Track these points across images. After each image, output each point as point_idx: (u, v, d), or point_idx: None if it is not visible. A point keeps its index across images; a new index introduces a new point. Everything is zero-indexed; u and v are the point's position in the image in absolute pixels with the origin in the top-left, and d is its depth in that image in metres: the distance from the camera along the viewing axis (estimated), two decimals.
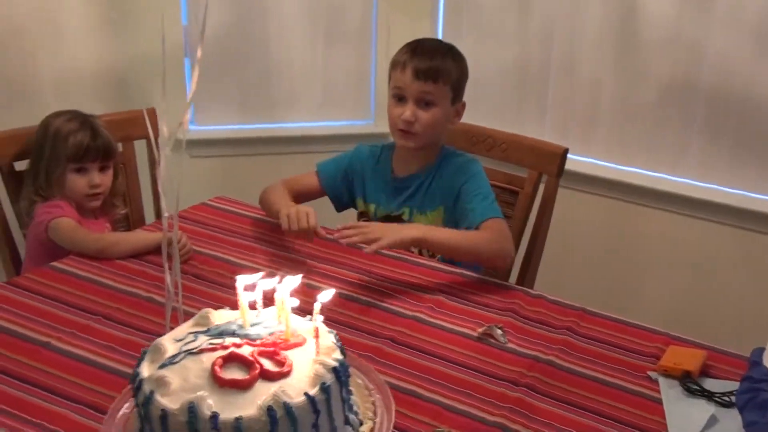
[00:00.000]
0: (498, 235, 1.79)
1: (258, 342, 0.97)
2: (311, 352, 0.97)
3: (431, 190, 1.92)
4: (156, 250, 1.83)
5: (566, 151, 2.05)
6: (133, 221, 2.25)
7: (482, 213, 1.82)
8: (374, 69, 3.01)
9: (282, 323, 1.00)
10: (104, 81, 2.71)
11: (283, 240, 1.90)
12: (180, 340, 0.98)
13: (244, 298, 1.03)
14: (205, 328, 1.02)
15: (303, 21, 2.93)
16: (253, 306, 1.05)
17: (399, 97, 1.84)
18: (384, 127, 2.90)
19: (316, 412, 0.90)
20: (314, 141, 3.01)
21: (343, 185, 2.02)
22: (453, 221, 1.89)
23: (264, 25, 2.91)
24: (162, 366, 0.94)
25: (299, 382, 0.91)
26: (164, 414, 0.86)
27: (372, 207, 2.00)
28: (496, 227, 1.80)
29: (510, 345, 1.54)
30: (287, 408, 0.86)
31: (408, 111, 1.81)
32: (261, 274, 1.08)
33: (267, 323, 1.01)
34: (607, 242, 2.80)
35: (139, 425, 0.94)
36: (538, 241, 2.10)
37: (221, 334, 0.99)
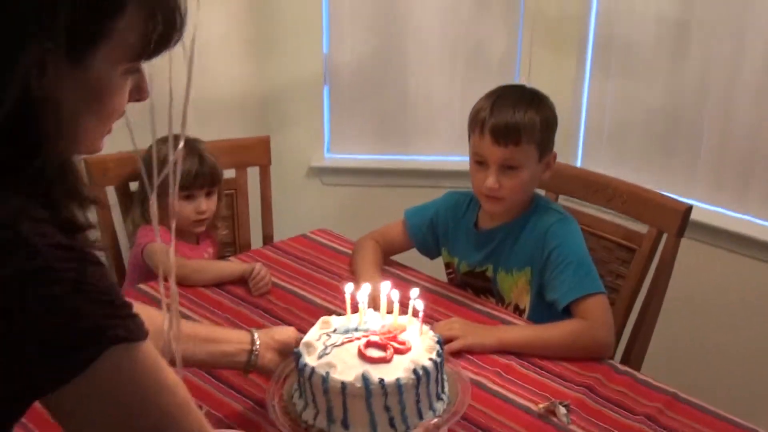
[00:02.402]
0: (591, 323, 1.60)
1: (378, 332, 1.28)
2: (417, 333, 1.29)
3: (518, 246, 1.76)
4: (238, 280, 1.83)
5: (689, 209, 1.83)
6: (239, 246, 2.27)
7: (573, 288, 1.63)
8: None
9: (385, 318, 1.32)
10: (244, 105, 2.79)
11: None
12: (318, 340, 1.27)
13: (359, 302, 1.32)
14: (332, 329, 1.30)
15: (444, 52, 2.86)
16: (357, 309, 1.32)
17: (480, 162, 1.70)
18: None
19: (438, 370, 1.23)
20: (449, 175, 2.92)
21: (430, 235, 1.91)
22: (541, 286, 1.72)
23: (404, 55, 2.87)
24: (320, 357, 1.22)
25: (421, 353, 1.24)
26: (344, 385, 1.17)
27: (456, 260, 1.88)
28: (589, 310, 1.61)
29: (572, 426, 1.37)
30: (424, 369, 1.20)
31: (491, 178, 1.66)
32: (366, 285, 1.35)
33: (374, 320, 1.32)
34: (752, 312, 2.48)
35: (305, 402, 1.24)
36: (649, 312, 1.88)
37: (347, 331, 1.29)
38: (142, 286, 1.83)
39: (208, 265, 1.89)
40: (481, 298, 1.83)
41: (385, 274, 1.88)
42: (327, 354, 1.23)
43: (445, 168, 2.94)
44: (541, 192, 2.07)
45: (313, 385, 1.20)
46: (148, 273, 1.92)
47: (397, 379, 1.18)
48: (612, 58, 2.69)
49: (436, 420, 1.23)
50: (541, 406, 1.41)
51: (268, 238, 2.29)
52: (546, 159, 1.72)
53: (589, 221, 2.00)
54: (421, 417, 1.22)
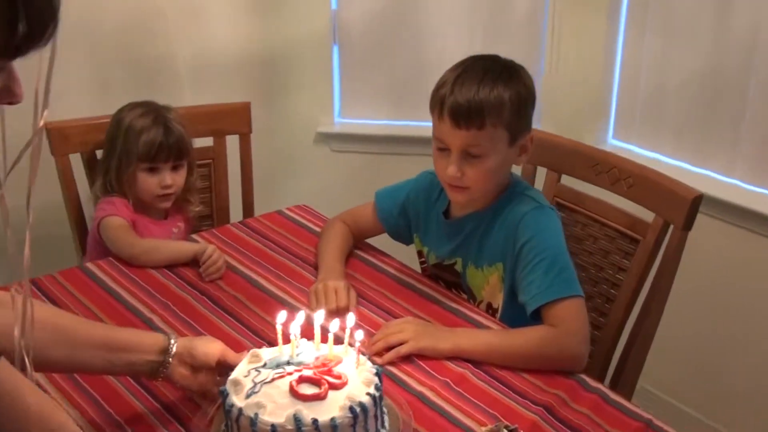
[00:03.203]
0: (561, 331, 1.38)
1: (311, 365, 1.16)
2: (353, 365, 1.17)
3: (488, 239, 1.53)
4: (192, 261, 1.69)
5: (699, 197, 1.57)
6: (218, 219, 2.13)
7: (544, 291, 1.41)
8: (542, 69, 2.62)
9: (319, 350, 1.20)
10: (245, 66, 2.61)
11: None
12: (247, 375, 1.15)
13: (287, 333, 1.19)
14: (261, 363, 1.18)
15: (462, 12, 2.61)
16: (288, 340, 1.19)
17: (441, 148, 1.48)
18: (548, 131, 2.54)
19: (376, 405, 1.13)
20: None
21: (402, 220, 1.70)
22: (513, 285, 1.51)
23: (419, 12, 2.64)
24: (247, 396, 1.11)
25: (358, 388, 1.13)
26: (273, 428, 1.06)
27: (426, 249, 1.68)
28: (560, 316, 1.39)
29: None
30: (362, 406, 1.10)
31: (452, 167, 1.44)
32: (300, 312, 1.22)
33: (308, 351, 1.20)
34: None
35: None
36: (651, 313, 1.65)
37: (278, 365, 1.16)
38: (89, 265, 1.70)
39: (159, 245, 1.75)
40: (453, 292, 1.63)
41: (352, 259, 1.71)
42: (256, 392, 1.12)
43: None
44: (542, 170, 1.85)
45: (241, 427, 1.09)
46: (106, 247, 1.79)
47: (332, 419, 1.07)
48: (648, 17, 2.40)
49: None
50: (484, 429, 1.22)
51: (248, 212, 2.14)
52: (520, 141, 1.49)
53: (591, 205, 1.78)
54: None
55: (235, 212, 2.17)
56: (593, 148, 1.82)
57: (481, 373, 1.36)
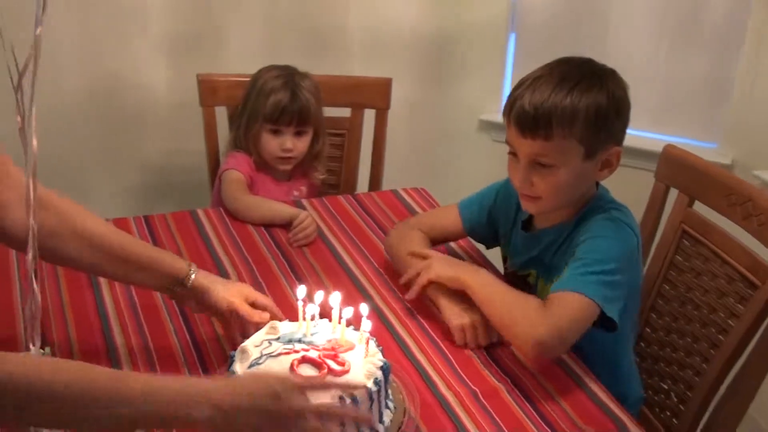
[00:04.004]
0: (546, 312, 1.27)
1: (320, 347, 1.15)
2: (361, 355, 1.15)
3: (563, 254, 1.41)
4: (286, 223, 1.73)
5: None
6: (344, 190, 2.16)
7: (566, 282, 1.30)
8: (735, 82, 2.36)
9: (335, 333, 1.19)
10: (416, 44, 2.61)
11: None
12: (258, 345, 1.16)
13: (305, 311, 1.19)
14: (276, 336, 1.18)
15: (651, 12, 2.42)
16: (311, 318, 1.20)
17: (512, 153, 1.37)
18: (733, 156, 2.29)
19: (371, 400, 1.10)
20: (641, 155, 2.49)
21: (489, 229, 1.60)
22: None
23: (604, 9, 2.48)
24: (251, 366, 1.12)
25: (357, 377, 1.11)
26: None
27: (508, 256, 1.58)
28: (556, 302, 1.28)
29: None
30: (353, 398, 1.07)
31: (519, 177, 1.35)
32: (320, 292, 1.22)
33: (323, 332, 1.19)
34: None
35: None
36: (749, 377, 1.45)
37: (290, 341, 1.17)
38: (198, 210, 1.80)
39: (260, 203, 1.80)
40: None
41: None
42: (259, 364, 1.13)
43: (636, 146, 2.51)
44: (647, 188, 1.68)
45: None
46: None
47: (318, 405, 1.04)
48: None
49: None
50: None
51: (374, 187, 2.15)
52: (601, 156, 1.35)
53: (717, 238, 1.58)
54: None
55: (363, 185, 2.19)
56: (731, 176, 1.62)
57: (516, 391, 1.27)
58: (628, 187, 1.77)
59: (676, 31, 2.41)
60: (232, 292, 1.29)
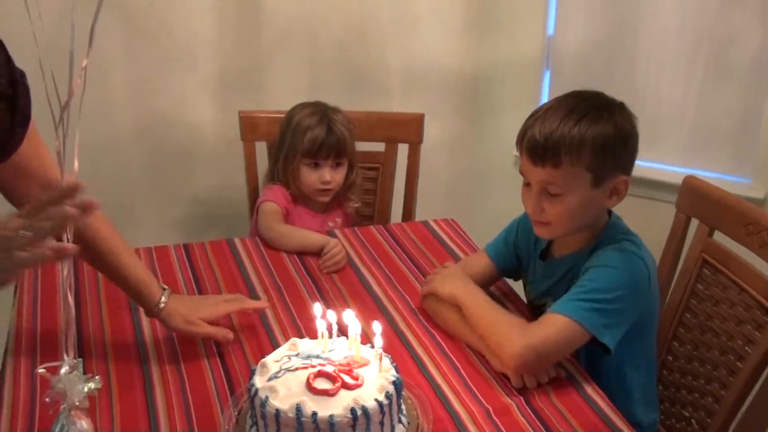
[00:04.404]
0: (528, 328, 1.37)
1: (336, 363, 1.22)
2: (375, 370, 1.22)
3: (573, 281, 1.45)
4: (318, 251, 1.81)
5: None
6: (378, 221, 2.23)
7: (557, 305, 1.38)
8: (765, 116, 2.38)
9: (352, 349, 1.26)
10: (453, 80, 2.69)
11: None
12: (278, 360, 1.24)
13: (322, 328, 1.27)
14: (295, 352, 1.27)
15: (682, 47, 2.46)
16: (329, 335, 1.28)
17: (525, 183, 1.45)
18: (767, 191, 2.31)
19: (383, 413, 1.16)
20: (671, 189, 2.53)
21: (518, 262, 1.66)
22: None
23: (635, 46, 2.53)
24: (270, 379, 1.20)
25: (370, 392, 1.17)
26: (278, 413, 1.14)
27: (528, 284, 1.65)
28: (542, 324, 1.37)
29: None
30: (364, 410, 1.14)
31: (531, 203, 1.43)
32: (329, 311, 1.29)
33: (340, 349, 1.26)
34: None
35: (252, 421, 1.22)
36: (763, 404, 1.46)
37: (308, 357, 1.25)
38: (235, 239, 1.90)
39: (293, 232, 1.89)
40: None
41: None
42: (278, 377, 1.20)
43: (667, 180, 2.54)
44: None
45: (255, 406, 1.19)
46: None
47: (330, 416, 1.12)
48: None
49: None
50: None
51: (407, 218, 2.22)
52: (609, 184, 1.41)
53: (735, 267, 1.61)
54: None
55: (396, 217, 2.26)
56: (749, 206, 1.65)
57: (528, 410, 1.32)
58: (662, 221, 1.81)
59: (708, 66, 2.44)
60: (183, 321, 1.43)
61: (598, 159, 1.37)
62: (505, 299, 1.66)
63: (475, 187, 2.78)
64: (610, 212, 1.51)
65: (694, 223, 1.74)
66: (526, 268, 1.66)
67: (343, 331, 1.28)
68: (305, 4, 2.47)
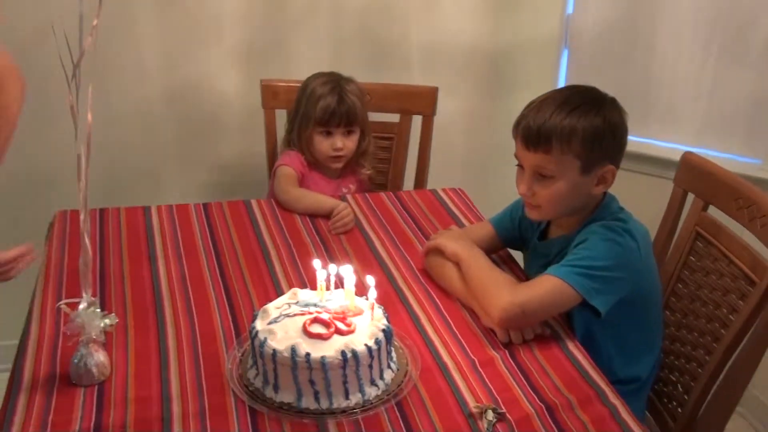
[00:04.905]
0: (517, 288, 1.47)
1: (332, 311, 1.33)
2: (368, 319, 1.32)
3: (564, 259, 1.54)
4: (328, 214, 1.91)
5: None
6: (391, 188, 2.32)
7: (552, 269, 1.47)
8: None
9: (347, 300, 1.35)
10: (472, 57, 2.75)
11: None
12: (279, 307, 1.35)
13: (321, 279, 1.37)
14: (295, 301, 1.37)
15: (698, 29, 2.49)
16: (327, 287, 1.39)
17: (520, 165, 1.55)
18: None
19: (371, 357, 1.26)
20: None
21: (521, 236, 1.75)
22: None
23: (652, 26, 2.57)
24: (270, 323, 1.30)
25: (361, 337, 1.27)
26: (274, 353, 1.24)
27: (526, 265, 1.74)
28: (532, 283, 1.48)
29: None
30: (354, 353, 1.23)
31: (523, 185, 1.53)
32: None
33: (336, 299, 1.36)
34: None
35: (252, 362, 1.32)
36: (741, 369, 1.53)
37: (307, 305, 1.35)
38: (251, 200, 2.00)
39: (306, 195, 1.99)
40: None
41: None
42: (277, 321, 1.31)
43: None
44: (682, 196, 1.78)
45: (255, 347, 1.29)
46: None
47: (323, 357, 1.22)
48: None
49: None
50: (473, 405, 1.28)
51: (419, 186, 2.31)
52: (597, 172, 1.50)
53: (725, 240, 1.68)
54: (347, 397, 1.26)
55: (408, 186, 2.35)
56: (740, 181, 1.70)
57: (512, 362, 1.40)
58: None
59: (723, 47, 2.47)
60: None
61: (586, 148, 1.46)
62: (507, 269, 1.74)
63: (491, 161, 2.84)
64: (605, 193, 1.59)
65: (691, 198, 1.80)
66: (527, 246, 1.75)
67: (341, 284, 1.38)
68: None
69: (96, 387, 1.30)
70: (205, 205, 1.97)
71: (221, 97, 2.56)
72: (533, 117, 1.48)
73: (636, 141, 2.67)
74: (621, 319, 1.54)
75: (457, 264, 1.60)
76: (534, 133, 1.47)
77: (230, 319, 1.50)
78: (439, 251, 1.65)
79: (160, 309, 1.53)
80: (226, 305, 1.55)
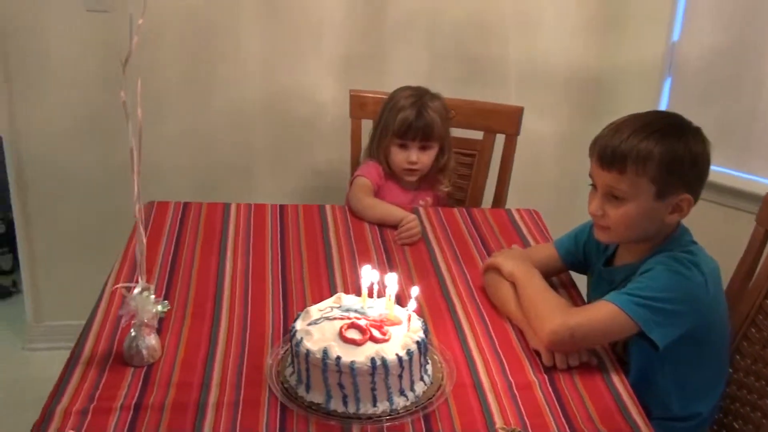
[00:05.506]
0: (569, 312, 1.46)
1: (371, 318, 1.36)
2: (405, 330, 1.34)
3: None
4: (395, 225, 1.94)
5: None
6: (469, 205, 2.33)
7: (610, 296, 1.44)
8: None
9: (388, 309, 1.39)
10: (571, 79, 2.71)
11: None
12: (322, 310, 1.40)
13: (365, 287, 1.41)
14: (338, 305, 1.42)
15: None
16: (370, 295, 1.42)
17: (593, 185, 1.52)
18: None
19: (402, 367, 1.28)
20: None
21: (585, 260, 1.73)
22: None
23: (762, 59, 2.46)
24: (309, 324, 1.36)
25: (394, 347, 1.30)
26: (308, 353, 1.28)
27: (588, 291, 1.70)
28: (586, 308, 1.48)
29: None
30: (383, 361, 1.26)
31: (594, 203, 1.51)
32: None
33: (378, 307, 1.40)
34: None
35: (290, 360, 1.38)
36: None
37: (348, 310, 1.39)
38: (325, 206, 2.06)
39: (377, 204, 2.02)
40: None
41: None
42: (316, 323, 1.35)
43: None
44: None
45: (292, 345, 1.34)
46: None
47: (352, 362, 1.25)
48: None
49: None
50: (501, 427, 1.27)
51: (497, 204, 2.30)
52: (672, 199, 1.46)
53: None
54: (375, 404, 1.28)
55: (487, 204, 2.34)
56: None
57: (549, 387, 1.38)
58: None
59: None
60: None
61: (662, 173, 1.42)
62: (565, 293, 1.71)
63: (580, 186, 2.78)
64: (678, 224, 1.54)
65: None
66: (591, 272, 1.72)
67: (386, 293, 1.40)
68: None
69: (144, 368, 1.37)
70: (281, 207, 2.04)
71: (317, 105, 2.64)
72: (611, 136, 1.47)
73: (738, 177, 2.57)
74: (681, 355, 1.49)
75: (513, 284, 1.60)
76: (609, 152, 1.45)
77: (282, 317, 1.55)
78: (496, 269, 1.65)
79: (219, 301, 1.60)
80: (281, 304, 1.60)
